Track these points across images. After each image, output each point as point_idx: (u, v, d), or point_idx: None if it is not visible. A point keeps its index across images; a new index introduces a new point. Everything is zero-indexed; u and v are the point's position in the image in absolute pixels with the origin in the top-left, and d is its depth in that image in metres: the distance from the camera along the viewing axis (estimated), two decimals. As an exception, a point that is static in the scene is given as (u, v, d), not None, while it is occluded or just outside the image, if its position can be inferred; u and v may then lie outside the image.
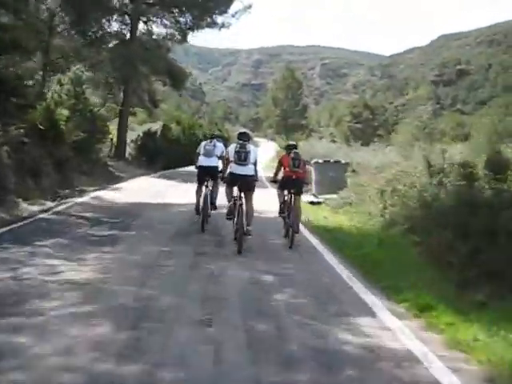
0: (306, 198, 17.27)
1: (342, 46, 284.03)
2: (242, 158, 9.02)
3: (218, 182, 11.28)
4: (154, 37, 31.15)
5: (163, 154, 34.25)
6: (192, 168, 13.38)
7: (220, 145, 11.47)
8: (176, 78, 32.46)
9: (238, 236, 8.91)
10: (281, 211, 10.53)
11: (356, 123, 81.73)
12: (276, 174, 10.75)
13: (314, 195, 19.49)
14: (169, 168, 33.11)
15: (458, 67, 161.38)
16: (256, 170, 9.66)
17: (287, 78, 66.46)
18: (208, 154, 10.96)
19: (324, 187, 19.18)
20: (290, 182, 10.07)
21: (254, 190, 9.50)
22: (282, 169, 10.36)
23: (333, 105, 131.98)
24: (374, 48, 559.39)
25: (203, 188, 11.14)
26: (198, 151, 11.51)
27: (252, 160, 9.22)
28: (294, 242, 9.66)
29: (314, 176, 20.17)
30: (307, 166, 12.37)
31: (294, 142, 12.24)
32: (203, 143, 11.64)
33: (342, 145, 42.71)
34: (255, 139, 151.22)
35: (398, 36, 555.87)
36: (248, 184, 9.28)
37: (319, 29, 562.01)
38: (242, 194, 9.29)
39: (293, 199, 10.11)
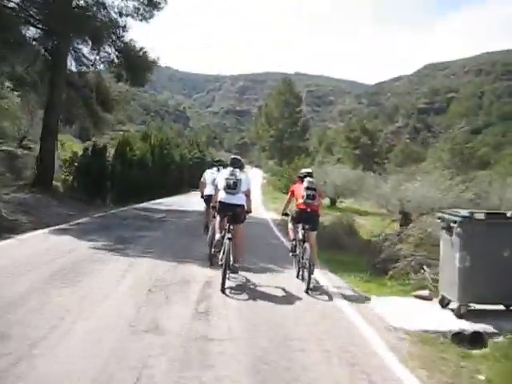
0: (428, 319, 6.56)
1: (328, 75, 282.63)
2: (232, 185, 7.76)
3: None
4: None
5: (119, 182, 22.47)
6: (177, 198, 16.14)
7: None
8: (135, 68, 20.28)
9: (222, 273, 7.34)
10: (293, 250, 8.76)
11: (354, 148, 71.31)
12: (286, 205, 9.09)
13: (452, 311, 6.61)
14: (131, 201, 22.56)
15: (449, 95, 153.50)
16: (249, 200, 8.14)
17: (283, 93, 53.65)
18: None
19: (481, 287, 6.33)
20: (304, 217, 8.28)
21: (242, 222, 8.00)
22: (294, 200, 8.66)
23: (322, 130, 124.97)
24: (358, 77, 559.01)
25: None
26: (215, 183, 8.54)
27: (243, 189, 7.91)
28: (310, 284, 7.58)
29: (457, 256, 6.36)
30: (321, 199, 8.96)
31: (310, 170, 9.33)
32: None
33: (361, 172, 31.16)
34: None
35: (381, 66, 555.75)
36: (236, 215, 7.84)
37: (305, 56, 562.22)
38: (231, 226, 7.78)
39: (307, 236, 8.13)
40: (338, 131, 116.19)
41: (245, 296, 7.16)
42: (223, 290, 7.20)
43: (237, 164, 8.11)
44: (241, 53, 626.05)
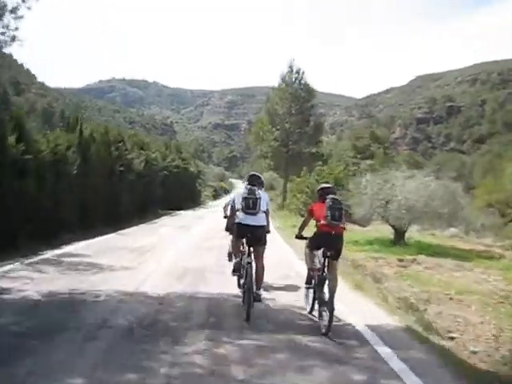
0: None
1: (316, 88, 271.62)
2: (251, 205, 6.67)
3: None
4: None
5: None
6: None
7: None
8: None
9: (246, 300, 6.44)
10: (309, 280, 6.87)
11: (363, 158, 58.84)
12: (302, 227, 7.04)
13: None
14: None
15: (448, 104, 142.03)
16: (268, 221, 7.11)
17: (290, 84, 37.80)
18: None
19: None
20: (327, 241, 6.41)
21: (265, 244, 7.05)
22: (315, 222, 6.70)
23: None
24: (346, 91, 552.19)
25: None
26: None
27: (263, 208, 6.87)
28: (331, 326, 5.76)
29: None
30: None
31: (330, 185, 7.64)
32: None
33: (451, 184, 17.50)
34: (230, 180, 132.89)
35: (370, 79, 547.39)
36: (258, 236, 6.86)
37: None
38: (251, 249, 6.85)
39: (328, 264, 6.38)
40: (334, 143, 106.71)
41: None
42: (248, 320, 6.14)
43: (256, 181, 7.19)
44: (229, 67, 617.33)
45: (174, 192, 30.58)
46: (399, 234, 16.83)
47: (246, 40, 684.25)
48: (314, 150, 38.38)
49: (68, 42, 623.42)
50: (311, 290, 6.79)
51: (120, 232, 15.45)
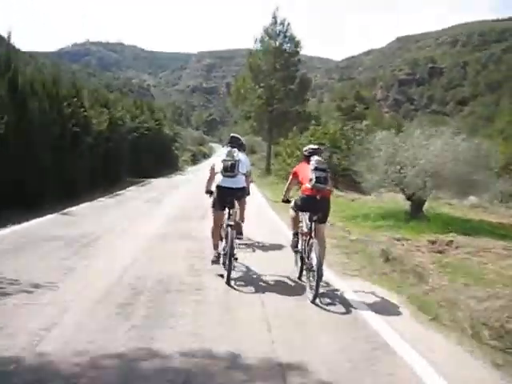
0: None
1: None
2: (229, 168, 6.41)
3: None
4: None
5: None
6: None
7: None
8: None
9: (226, 261, 6.12)
10: (295, 244, 6.55)
11: (349, 119, 55.62)
12: (288, 190, 6.74)
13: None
14: None
15: (430, 65, 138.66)
16: (248, 183, 7.02)
17: (274, 36, 33.31)
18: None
19: None
20: (313, 204, 6.00)
21: (244, 202, 7.27)
22: (300, 184, 6.36)
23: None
24: (325, 53, 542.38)
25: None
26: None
27: (242, 170, 6.62)
28: (318, 292, 5.41)
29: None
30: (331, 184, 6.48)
31: (316, 146, 6.85)
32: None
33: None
34: (210, 144, 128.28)
35: (349, 41, 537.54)
36: (237, 199, 6.68)
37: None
38: (231, 211, 6.52)
39: (315, 228, 6.01)
40: (316, 105, 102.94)
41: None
42: (228, 282, 5.97)
43: (236, 143, 7.01)
44: (207, 29, 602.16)
45: (147, 157, 26.86)
46: (417, 205, 13.55)
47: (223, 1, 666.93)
48: (300, 109, 34.56)
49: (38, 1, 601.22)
50: (298, 255, 6.44)
51: (67, 211, 11.47)
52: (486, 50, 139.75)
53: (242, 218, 7.21)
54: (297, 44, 33.88)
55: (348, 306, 5.22)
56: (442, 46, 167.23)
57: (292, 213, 6.45)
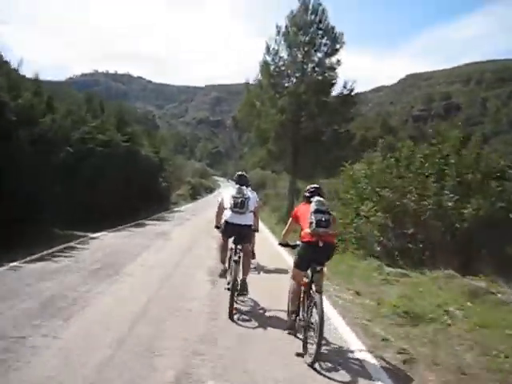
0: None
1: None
2: (239, 204, 6.57)
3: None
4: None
5: None
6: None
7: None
8: None
9: (230, 297, 6.00)
10: (291, 325, 5.45)
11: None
12: (287, 233, 5.88)
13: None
14: None
15: (445, 102, 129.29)
16: (255, 219, 7.03)
17: (304, 27, 22.69)
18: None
19: None
20: (315, 253, 5.13)
21: (251, 243, 7.09)
22: (300, 228, 5.46)
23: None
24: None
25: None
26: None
27: (251, 208, 6.74)
28: (319, 355, 4.50)
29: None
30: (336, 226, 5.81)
31: (317, 185, 6.03)
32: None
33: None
34: (214, 177, 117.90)
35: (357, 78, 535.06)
36: (244, 236, 6.65)
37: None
38: (238, 247, 6.62)
39: (317, 279, 5.05)
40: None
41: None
42: (231, 317, 5.88)
43: (244, 181, 7.08)
44: (214, 64, 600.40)
45: (111, 191, 16.13)
46: None
47: (231, 36, 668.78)
48: (341, 129, 23.62)
49: (48, 31, 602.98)
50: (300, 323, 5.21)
51: None
52: (501, 87, 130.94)
53: (252, 254, 7.32)
54: (337, 38, 23.12)
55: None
56: (454, 84, 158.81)
57: (296, 271, 5.34)
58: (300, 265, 5.29)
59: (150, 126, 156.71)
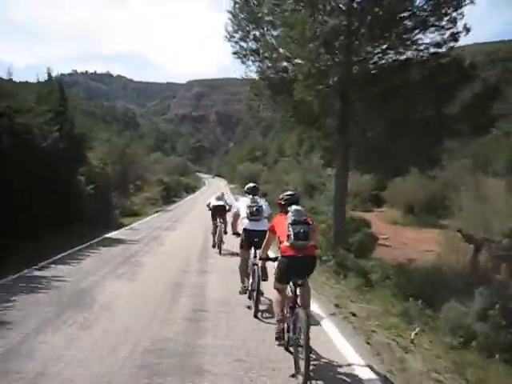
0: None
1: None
2: (255, 212, 7.06)
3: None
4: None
5: None
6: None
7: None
8: None
9: (254, 298, 6.44)
10: (280, 335, 5.06)
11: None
12: (266, 247, 5.53)
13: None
14: None
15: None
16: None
17: None
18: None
19: None
20: (295, 267, 4.83)
21: None
22: (278, 241, 5.14)
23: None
24: None
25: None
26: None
27: (265, 214, 7.17)
28: (309, 375, 4.14)
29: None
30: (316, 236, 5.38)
31: (292, 192, 5.84)
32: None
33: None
34: (198, 174, 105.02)
35: None
36: (262, 240, 5.80)
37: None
38: (257, 252, 6.66)
39: (300, 294, 4.87)
40: None
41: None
42: (256, 315, 6.33)
43: (256, 191, 7.59)
44: (195, 59, 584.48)
45: None
46: None
47: (211, 31, 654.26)
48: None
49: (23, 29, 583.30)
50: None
51: None
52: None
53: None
54: None
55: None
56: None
57: (277, 285, 5.08)
58: (281, 278, 5.02)
59: (131, 124, 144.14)
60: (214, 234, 12.84)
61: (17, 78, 21.59)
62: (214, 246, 12.64)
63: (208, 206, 13.22)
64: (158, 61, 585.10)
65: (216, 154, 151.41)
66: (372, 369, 4.77)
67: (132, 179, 26.16)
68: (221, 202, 12.68)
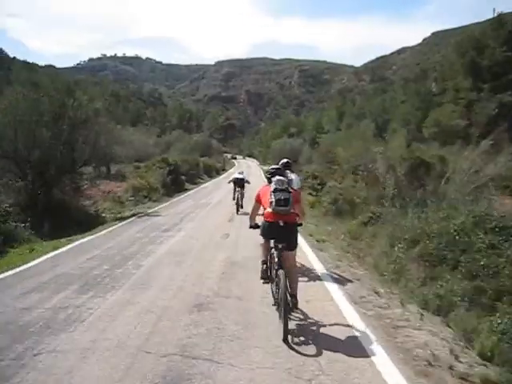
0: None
1: (318, 58, 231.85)
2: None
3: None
4: None
5: None
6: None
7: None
8: None
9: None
10: (264, 275, 5.37)
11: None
12: (253, 216, 5.61)
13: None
14: None
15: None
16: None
17: None
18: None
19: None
20: (275, 231, 4.98)
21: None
22: (262, 208, 5.41)
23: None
24: (351, 57, 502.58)
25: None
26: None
27: (295, 186, 6.12)
28: (288, 328, 4.40)
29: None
30: (299, 204, 5.53)
31: (285, 160, 6.83)
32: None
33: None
34: (227, 155, 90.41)
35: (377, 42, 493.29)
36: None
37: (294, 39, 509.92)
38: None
39: (282, 258, 4.95)
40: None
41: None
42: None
43: (287, 167, 6.58)
44: (224, 39, 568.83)
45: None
46: None
47: (240, 14, 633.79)
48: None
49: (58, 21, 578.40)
50: (274, 285, 5.17)
51: None
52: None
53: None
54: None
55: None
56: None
57: (262, 240, 5.31)
58: (263, 236, 5.16)
59: (158, 105, 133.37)
60: (234, 199, 15.60)
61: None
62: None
63: (230, 180, 16.73)
64: (187, 43, 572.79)
65: (246, 135, 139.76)
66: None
67: (93, 156, 14.29)
68: (241, 176, 15.91)
